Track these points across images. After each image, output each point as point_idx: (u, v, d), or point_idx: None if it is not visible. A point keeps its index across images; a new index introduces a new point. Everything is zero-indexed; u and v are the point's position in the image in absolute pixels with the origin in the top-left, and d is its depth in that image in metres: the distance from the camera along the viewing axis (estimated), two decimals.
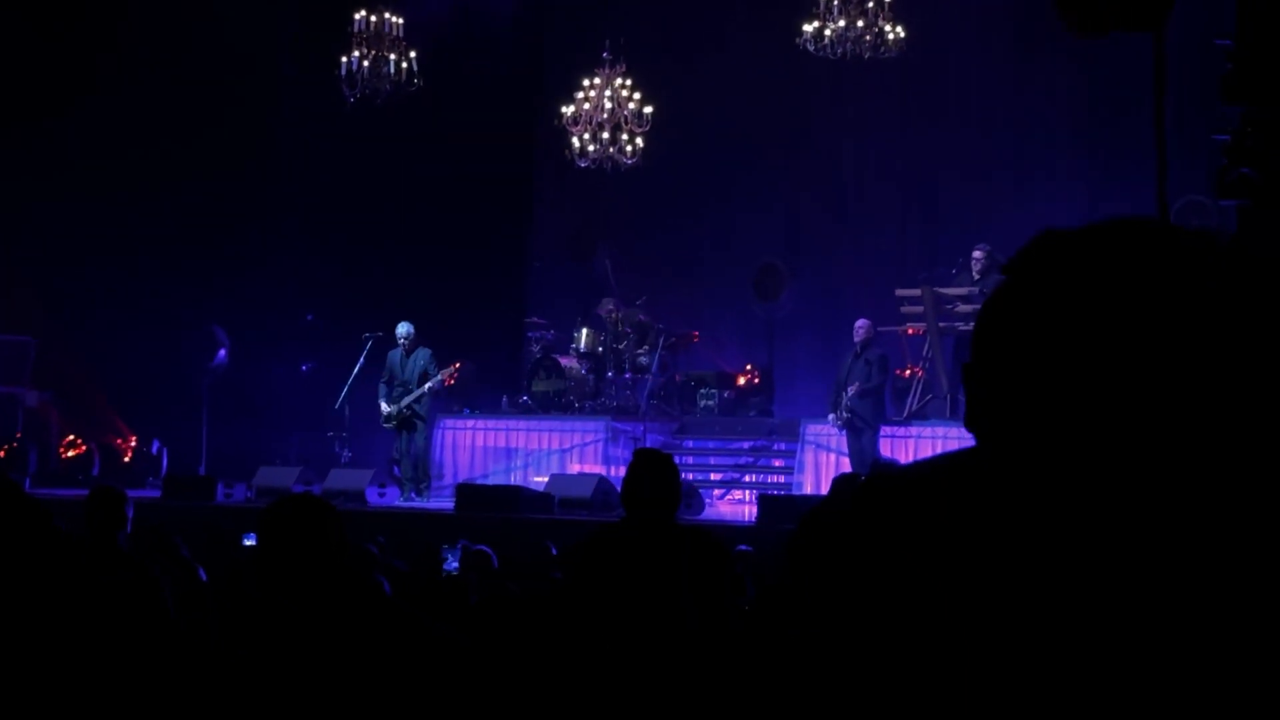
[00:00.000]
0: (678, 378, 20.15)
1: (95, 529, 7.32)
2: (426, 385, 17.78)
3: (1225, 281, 1.64)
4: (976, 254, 18.11)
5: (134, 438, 21.22)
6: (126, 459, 20.97)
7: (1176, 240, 1.67)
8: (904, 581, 1.71)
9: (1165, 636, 1.60)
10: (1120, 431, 1.61)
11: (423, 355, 17.95)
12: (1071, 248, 1.68)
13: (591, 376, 19.99)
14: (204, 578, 8.33)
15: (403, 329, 18.03)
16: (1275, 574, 1.61)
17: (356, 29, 20.29)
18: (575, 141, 19.77)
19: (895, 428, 17.53)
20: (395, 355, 18.05)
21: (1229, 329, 1.61)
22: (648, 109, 19.59)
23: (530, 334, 21.09)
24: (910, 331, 18.46)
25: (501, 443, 19.52)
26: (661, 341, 19.43)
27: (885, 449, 17.17)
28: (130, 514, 7.43)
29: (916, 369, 18.25)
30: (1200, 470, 1.62)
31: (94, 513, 7.33)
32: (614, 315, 20.01)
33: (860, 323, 17.23)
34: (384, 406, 17.99)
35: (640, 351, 19.62)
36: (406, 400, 17.81)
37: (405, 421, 17.93)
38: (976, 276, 17.98)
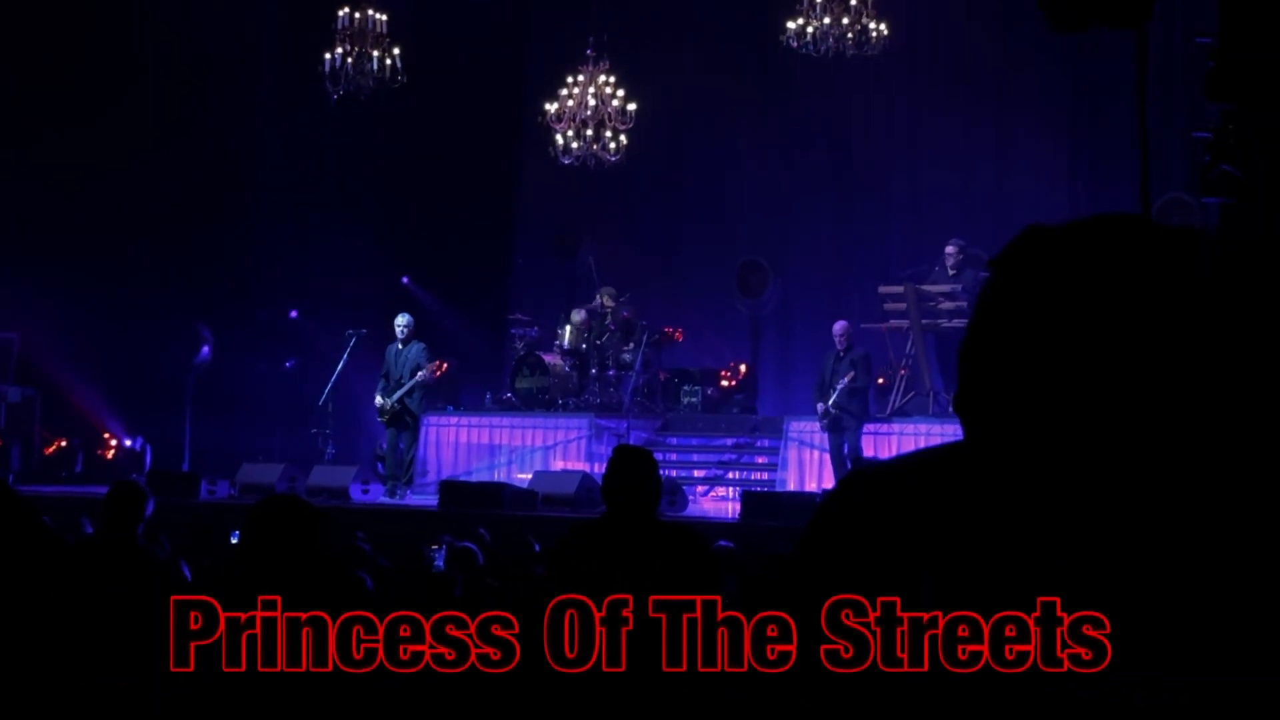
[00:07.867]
0: (661, 375, 20.11)
1: (113, 524, 7.42)
2: (415, 378, 17.70)
3: (1208, 276, 1.65)
4: (950, 249, 18.16)
5: (117, 434, 21.16)
6: (109, 455, 20.91)
7: (1160, 236, 1.68)
8: (887, 563, 1.72)
9: (1147, 623, 1.61)
10: (1106, 421, 1.63)
11: (415, 349, 17.86)
12: (1057, 243, 1.69)
13: (575, 373, 19.95)
14: (188, 576, 8.32)
15: (401, 319, 17.97)
16: (1265, 565, 1.62)
17: (340, 25, 20.26)
18: (559, 138, 19.75)
19: (878, 425, 17.53)
20: (391, 349, 17.99)
21: (1213, 322, 1.62)
22: (631, 106, 19.57)
23: (514, 331, 21.04)
24: (896, 327, 18.47)
25: (485, 439, 19.48)
26: (645, 338, 19.39)
27: (868, 446, 17.18)
28: (150, 511, 7.51)
29: (901, 369, 18.25)
30: (1189, 462, 1.63)
31: (113, 507, 7.44)
32: (606, 307, 19.82)
33: (839, 325, 17.20)
34: (377, 399, 17.95)
35: (624, 348, 19.59)
36: (398, 394, 17.75)
37: (396, 417, 17.89)
38: (951, 272, 18.05)
